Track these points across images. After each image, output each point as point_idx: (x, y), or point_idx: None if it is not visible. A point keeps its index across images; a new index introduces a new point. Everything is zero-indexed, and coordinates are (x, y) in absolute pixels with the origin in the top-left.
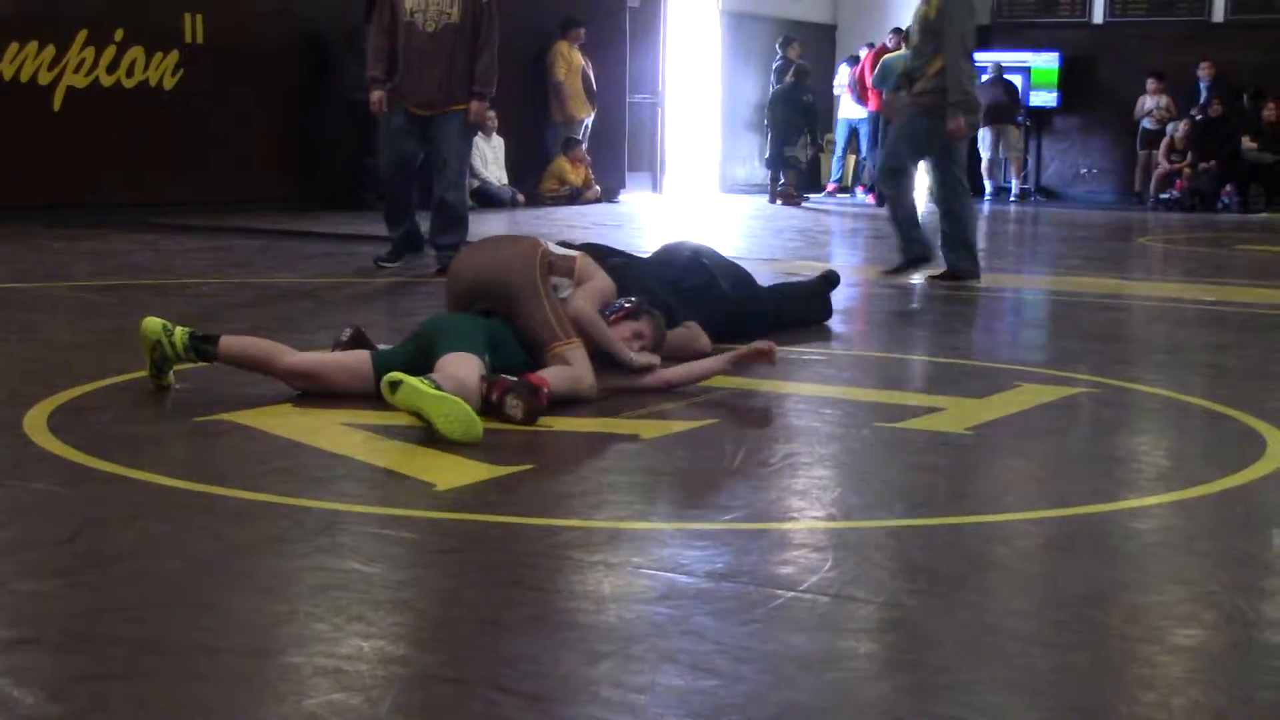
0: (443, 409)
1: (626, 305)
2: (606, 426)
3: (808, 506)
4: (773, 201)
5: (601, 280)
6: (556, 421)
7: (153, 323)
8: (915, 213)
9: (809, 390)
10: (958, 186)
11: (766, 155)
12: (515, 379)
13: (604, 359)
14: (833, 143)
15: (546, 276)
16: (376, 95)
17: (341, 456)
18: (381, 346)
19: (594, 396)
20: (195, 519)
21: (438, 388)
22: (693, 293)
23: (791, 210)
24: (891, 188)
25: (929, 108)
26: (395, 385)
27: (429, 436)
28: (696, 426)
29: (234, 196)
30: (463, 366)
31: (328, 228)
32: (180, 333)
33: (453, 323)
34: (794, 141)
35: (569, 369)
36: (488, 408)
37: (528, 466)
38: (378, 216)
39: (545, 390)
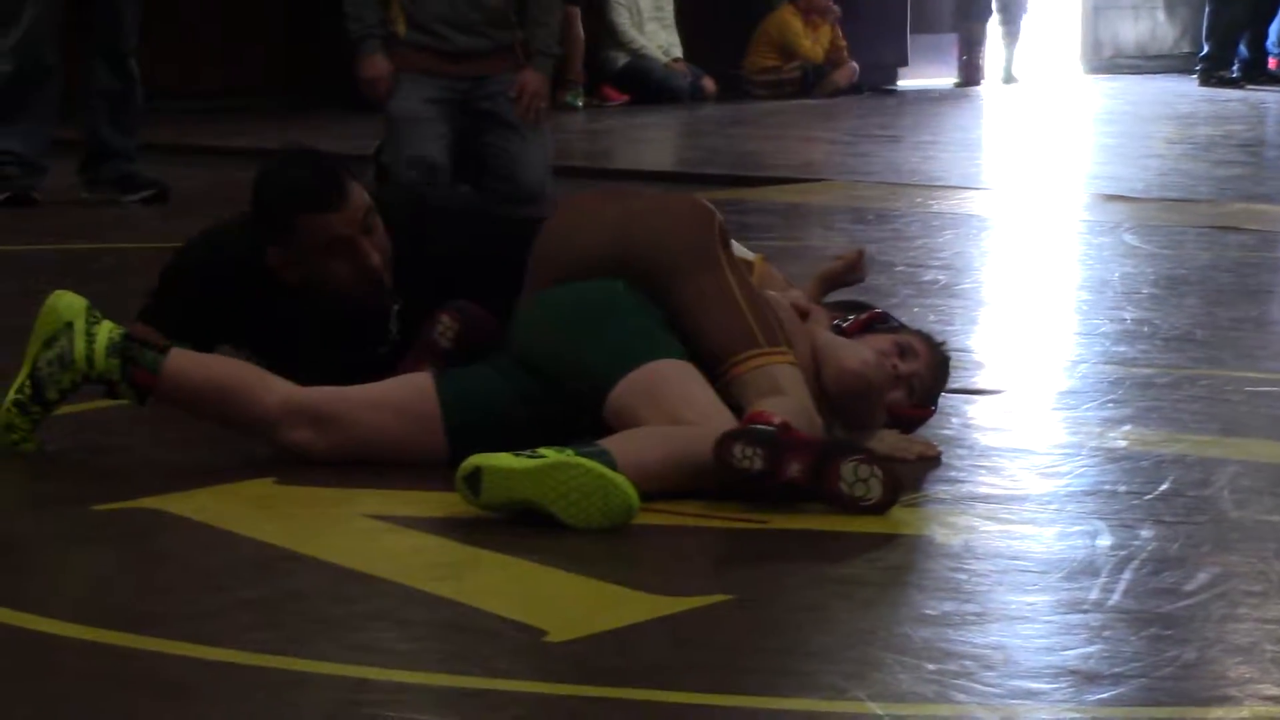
0: (555, 483)
1: (862, 314)
2: (866, 522)
3: (1257, 678)
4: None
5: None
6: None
7: (70, 302)
8: None
9: (1263, 452)
10: None
11: None
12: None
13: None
14: None
15: (729, 247)
16: None
17: (370, 578)
18: None
19: None
20: (109, 698)
21: (580, 454)
22: None
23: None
24: None
25: None
26: (473, 478)
27: (540, 521)
28: (1034, 519)
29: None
30: (691, 395)
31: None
32: (107, 330)
33: (589, 299)
34: None
35: (786, 400)
36: (758, 483)
37: (721, 598)
38: None
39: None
